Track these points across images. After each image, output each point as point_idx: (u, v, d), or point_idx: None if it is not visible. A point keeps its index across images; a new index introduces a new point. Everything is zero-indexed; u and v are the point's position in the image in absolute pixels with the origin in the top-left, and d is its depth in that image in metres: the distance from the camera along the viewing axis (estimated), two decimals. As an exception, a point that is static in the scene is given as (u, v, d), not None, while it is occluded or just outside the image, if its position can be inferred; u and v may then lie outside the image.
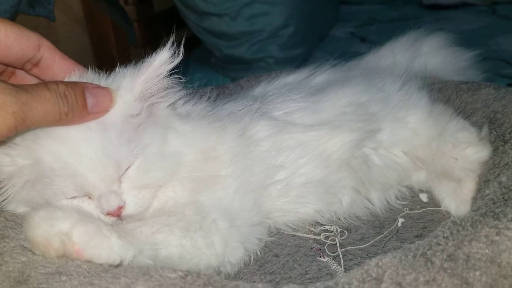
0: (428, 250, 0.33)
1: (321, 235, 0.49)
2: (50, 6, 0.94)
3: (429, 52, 0.65)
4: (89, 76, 0.48)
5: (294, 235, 0.50)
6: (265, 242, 0.48)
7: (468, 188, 0.49)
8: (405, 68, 0.57)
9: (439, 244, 0.33)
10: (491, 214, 0.35)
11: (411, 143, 0.53)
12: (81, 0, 1.09)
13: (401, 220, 0.51)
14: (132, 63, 0.49)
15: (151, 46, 1.21)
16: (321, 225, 0.50)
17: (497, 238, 0.33)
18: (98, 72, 0.49)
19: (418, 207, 0.53)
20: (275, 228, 0.50)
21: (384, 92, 0.54)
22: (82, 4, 1.09)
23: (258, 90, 0.60)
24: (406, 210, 0.52)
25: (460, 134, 0.50)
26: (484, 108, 0.53)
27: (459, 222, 0.35)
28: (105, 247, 0.37)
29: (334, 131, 0.51)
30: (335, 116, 0.52)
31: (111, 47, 1.10)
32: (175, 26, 0.51)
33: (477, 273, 0.31)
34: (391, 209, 0.52)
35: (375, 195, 0.51)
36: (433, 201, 0.53)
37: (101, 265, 0.37)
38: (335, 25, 1.37)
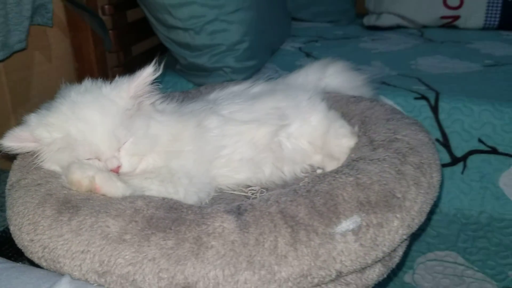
0: (297, 188, 0.66)
1: (249, 192, 0.81)
2: (49, 15, 1.20)
3: (332, 74, 0.99)
4: (98, 83, 0.78)
5: (232, 193, 0.82)
6: (212, 197, 0.80)
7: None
8: (313, 85, 0.91)
9: (304, 186, 0.66)
10: (340, 170, 0.68)
11: (312, 135, 0.85)
12: (65, 9, 1.36)
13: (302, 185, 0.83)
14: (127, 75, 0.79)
15: (124, 51, 1.50)
16: (249, 187, 0.82)
17: (331, 179, 0.66)
18: (103, 79, 0.79)
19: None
20: (219, 188, 0.82)
21: (297, 100, 0.87)
22: (65, 13, 1.37)
23: (212, 95, 0.92)
24: (306, 179, 0.85)
25: (340, 130, 0.83)
26: (361, 114, 0.87)
27: (317, 177, 0.68)
28: (114, 187, 0.68)
29: (261, 125, 0.83)
30: (263, 115, 0.84)
31: (90, 52, 1.38)
32: (159, 54, 0.81)
33: (318, 197, 0.64)
34: (297, 178, 0.85)
35: (286, 168, 0.84)
36: (326, 175, 0.86)
37: (111, 197, 0.67)
38: (287, 39, 1.70)
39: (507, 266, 1.22)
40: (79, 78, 1.41)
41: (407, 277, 1.30)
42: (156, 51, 1.63)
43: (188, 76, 1.42)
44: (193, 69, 1.40)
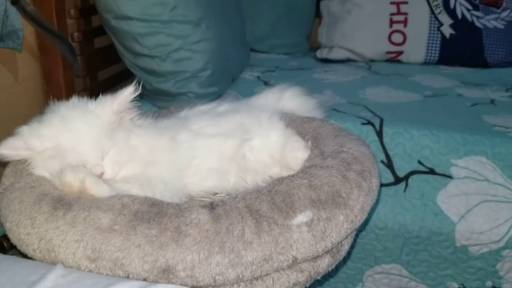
0: (260, 188, 0.82)
1: (216, 199, 0.96)
2: (19, 41, 1.33)
3: (289, 98, 1.17)
4: (84, 100, 0.92)
5: (200, 199, 0.96)
6: (184, 202, 0.94)
7: (299, 174, 0.99)
8: (273, 106, 1.09)
9: (266, 187, 0.83)
10: (296, 174, 0.85)
11: (272, 149, 1.01)
12: (36, 34, 1.49)
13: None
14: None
15: (91, 76, 1.63)
16: (216, 194, 0.98)
17: (288, 181, 0.82)
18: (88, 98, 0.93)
19: (275, 187, 1.02)
20: (189, 195, 0.97)
21: (259, 118, 1.04)
22: (36, 38, 1.49)
23: (183, 113, 1.07)
24: (267, 187, 1.01)
25: (296, 144, 1.00)
26: (313, 131, 1.05)
27: (276, 180, 0.85)
28: (101, 188, 0.81)
29: (226, 139, 0.98)
30: (228, 130, 1.00)
31: (59, 76, 1.49)
32: (136, 80, 0.94)
33: (278, 196, 0.80)
34: (258, 187, 1.01)
35: (249, 178, 0.98)
36: (284, 185, 1.03)
37: (98, 198, 0.81)
38: (246, 69, 1.87)
39: (445, 277, 1.40)
40: (48, 100, 1.53)
41: (357, 289, 1.47)
42: (121, 77, 1.78)
43: (153, 100, 1.55)
44: (158, 94, 1.53)
